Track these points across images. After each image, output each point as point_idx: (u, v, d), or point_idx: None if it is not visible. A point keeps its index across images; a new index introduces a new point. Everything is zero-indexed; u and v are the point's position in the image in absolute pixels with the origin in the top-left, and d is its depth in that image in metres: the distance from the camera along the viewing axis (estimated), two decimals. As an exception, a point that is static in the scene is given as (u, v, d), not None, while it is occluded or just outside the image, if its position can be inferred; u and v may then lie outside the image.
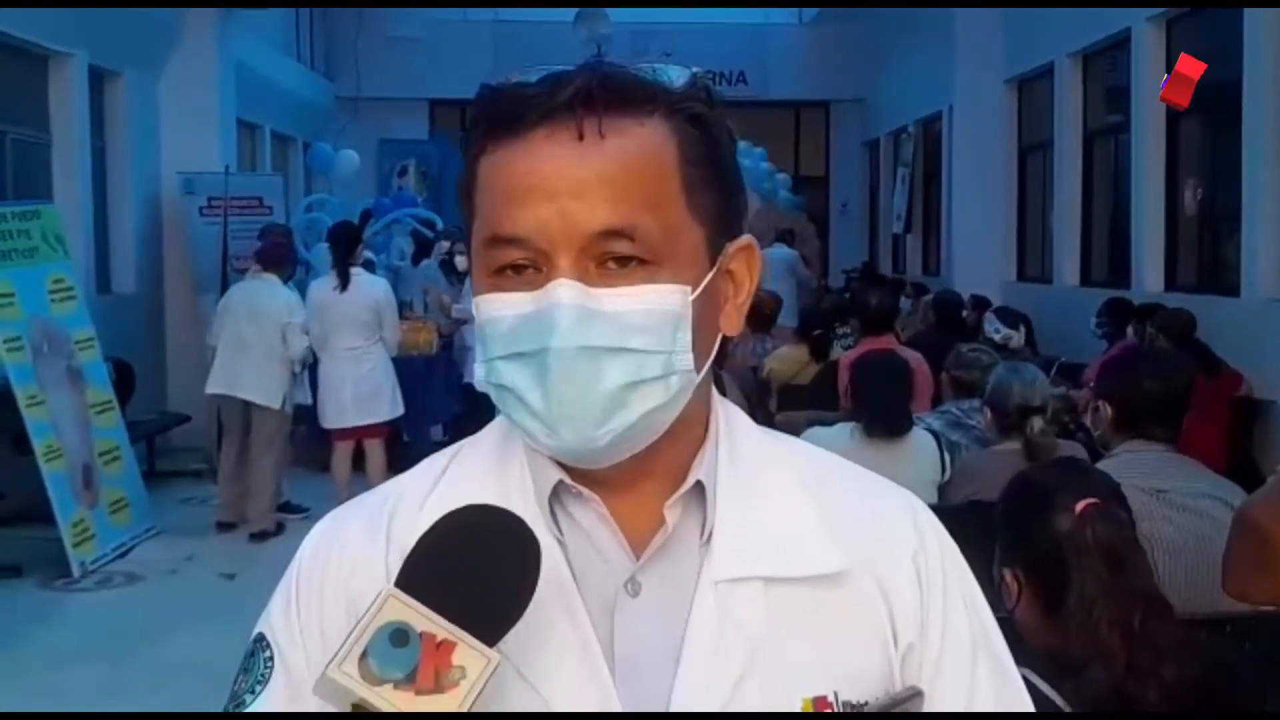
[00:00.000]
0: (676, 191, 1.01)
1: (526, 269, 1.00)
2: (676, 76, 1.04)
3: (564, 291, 0.97)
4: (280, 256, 8.05)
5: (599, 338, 0.97)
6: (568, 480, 1.05)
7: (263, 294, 7.83)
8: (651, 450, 1.03)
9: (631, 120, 1.00)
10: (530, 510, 1.03)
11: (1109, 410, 3.25)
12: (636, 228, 0.98)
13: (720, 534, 1.04)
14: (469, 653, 0.90)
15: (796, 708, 1.01)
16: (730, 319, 1.08)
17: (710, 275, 1.03)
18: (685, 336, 1.00)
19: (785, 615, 1.03)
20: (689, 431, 1.07)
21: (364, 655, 0.89)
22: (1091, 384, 4.06)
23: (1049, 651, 2.00)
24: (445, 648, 0.89)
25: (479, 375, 1.04)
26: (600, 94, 0.99)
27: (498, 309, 1.00)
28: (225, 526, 8.04)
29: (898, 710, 1.04)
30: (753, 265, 1.08)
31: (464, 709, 0.88)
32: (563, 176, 0.98)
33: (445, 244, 10.68)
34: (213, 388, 7.95)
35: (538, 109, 0.99)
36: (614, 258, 0.98)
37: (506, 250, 1.00)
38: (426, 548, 0.94)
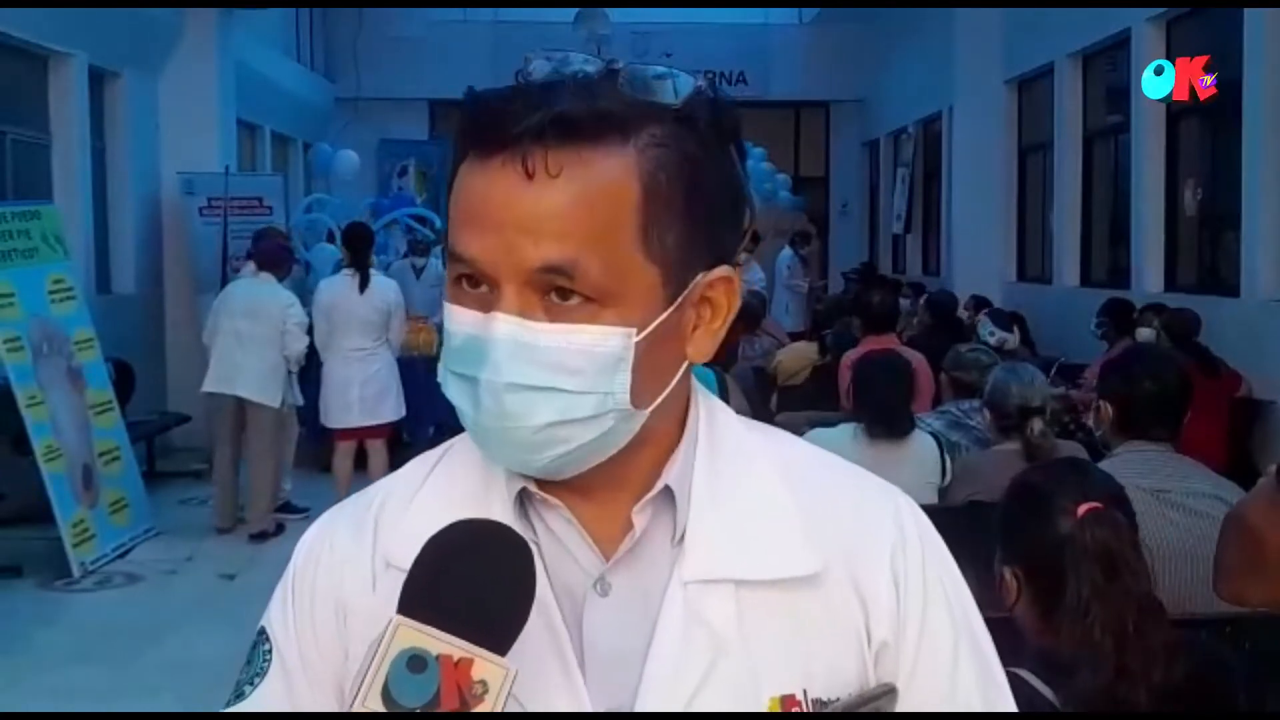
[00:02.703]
0: (633, 232, 0.98)
1: (481, 283, 1.01)
2: (684, 86, 1.01)
3: (500, 326, 0.98)
4: (280, 258, 8.03)
5: (529, 376, 0.98)
6: (532, 488, 1.06)
7: (262, 293, 7.81)
8: (616, 461, 1.04)
9: (592, 153, 0.97)
10: (508, 512, 1.05)
11: (1110, 410, 3.25)
12: (577, 264, 0.97)
13: (692, 535, 1.04)
14: (487, 666, 0.90)
15: (764, 707, 1.02)
16: (700, 344, 1.05)
17: (665, 314, 1.01)
18: (624, 378, 0.99)
19: (756, 616, 1.03)
20: (656, 441, 1.06)
21: (385, 686, 0.89)
22: (1093, 384, 4.06)
23: (1046, 651, 2.00)
24: (464, 665, 0.90)
25: (440, 376, 1.06)
26: (553, 131, 0.96)
27: (453, 323, 1.02)
28: (225, 529, 8.02)
29: (868, 707, 1.04)
30: (732, 295, 1.06)
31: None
32: (510, 209, 0.97)
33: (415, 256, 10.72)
34: (209, 386, 7.89)
35: (500, 136, 0.97)
36: (556, 290, 0.98)
37: (461, 264, 1.02)
38: (422, 571, 0.95)
